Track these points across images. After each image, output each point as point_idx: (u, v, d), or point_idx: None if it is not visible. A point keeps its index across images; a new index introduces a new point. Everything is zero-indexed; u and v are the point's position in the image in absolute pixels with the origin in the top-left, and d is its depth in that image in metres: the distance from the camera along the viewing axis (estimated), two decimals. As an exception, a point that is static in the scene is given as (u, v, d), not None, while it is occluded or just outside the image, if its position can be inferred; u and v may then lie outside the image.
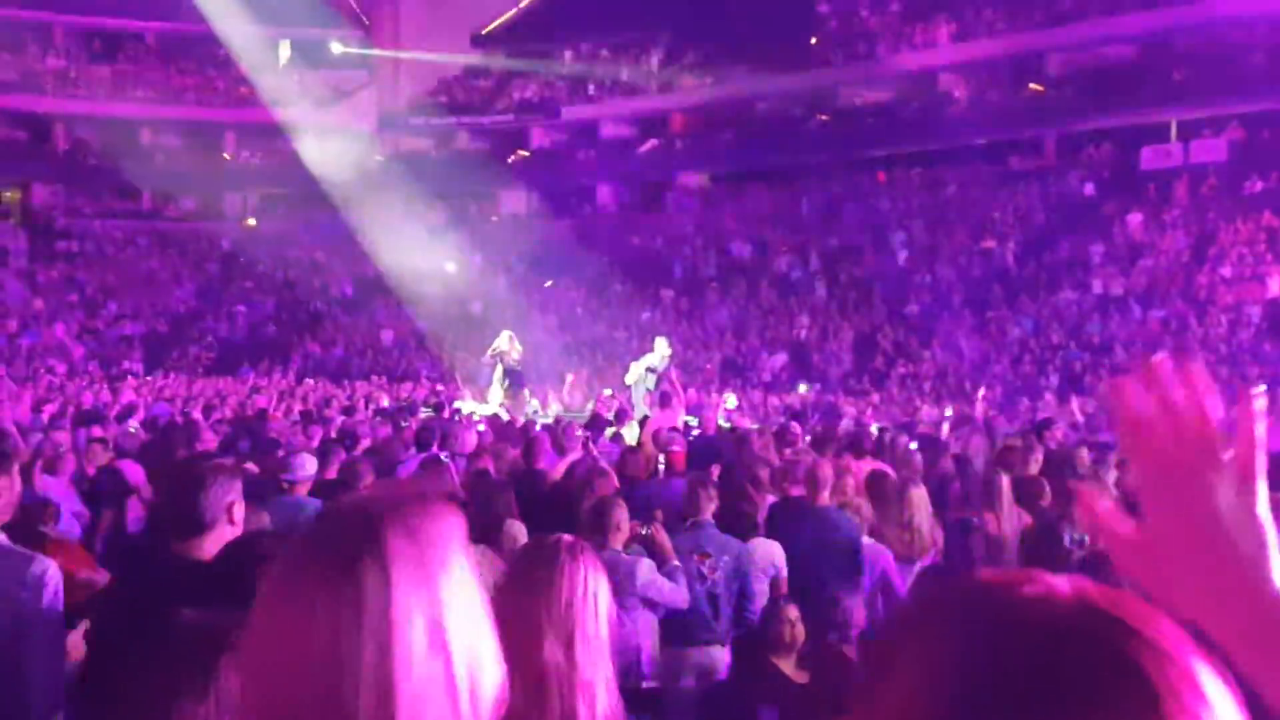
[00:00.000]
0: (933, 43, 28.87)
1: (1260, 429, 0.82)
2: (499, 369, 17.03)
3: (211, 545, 2.81)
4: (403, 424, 10.72)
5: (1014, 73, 27.92)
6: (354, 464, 6.56)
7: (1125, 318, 20.81)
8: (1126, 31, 26.42)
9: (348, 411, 13.33)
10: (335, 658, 1.04)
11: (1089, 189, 25.49)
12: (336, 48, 36.22)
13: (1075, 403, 13.55)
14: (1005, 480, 6.88)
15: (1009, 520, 6.58)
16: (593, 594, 2.14)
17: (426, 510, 1.12)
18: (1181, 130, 25.71)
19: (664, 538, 5.29)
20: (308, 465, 6.29)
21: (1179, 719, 0.62)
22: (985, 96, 28.06)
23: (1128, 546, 0.83)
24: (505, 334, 17.70)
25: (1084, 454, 9.12)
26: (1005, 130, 27.27)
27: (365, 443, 9.09)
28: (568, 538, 2.23)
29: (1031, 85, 27.38)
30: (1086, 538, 5.47)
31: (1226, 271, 20.89)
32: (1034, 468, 8.20)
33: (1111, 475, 7.60)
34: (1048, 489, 7.07)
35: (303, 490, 6.12)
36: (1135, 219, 23.49)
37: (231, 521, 2.88)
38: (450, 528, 1.13)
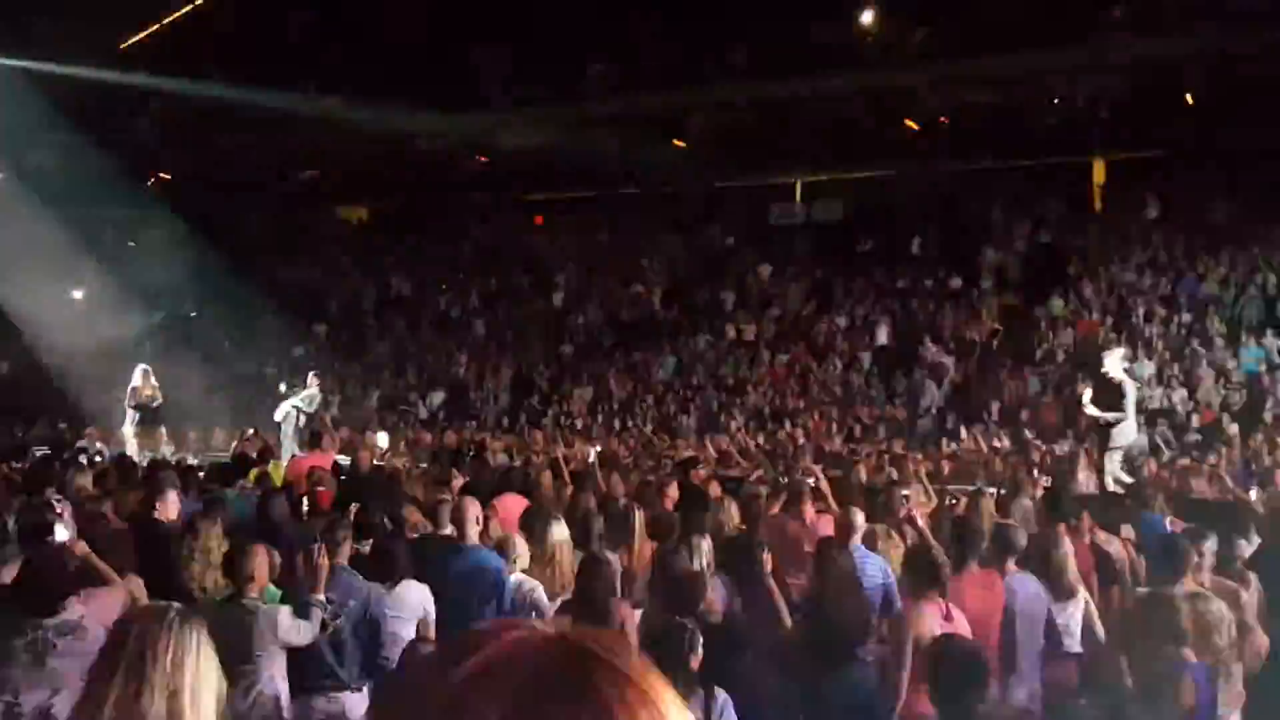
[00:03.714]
0: (585, 95, 30.05)
1: None
2: (132, 408, 15.95)
3: None
4: (13, 464, 9.77)
5: (662, 128, 29.56)
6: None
7: (755, 361, 22.47)
8: (758, 97, 28.77)
9: (-53, 454, 11.93)
10: None
11: (726, 241, 27.39)
12: (-52, 51, 32.47)
13: (710, 441, 14.53)
14: (639, 515, 7.34)
15: (641, 553, 7.01)
16: (201, 658, 2.23)
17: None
18: (805, 191, 28.18)
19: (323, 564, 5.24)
20: None
21: None
22: (635, 149, 29.48)
23: None
24: (139, 369, 16.63)
25: (716, 488, 9.88)
26: (653, 182, 28.79)
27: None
28: (179, 607, 2.32)
29: (676, 141, 29.12)
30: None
31: (842, 321, 23.05)
32: (669, 503, 8.78)
33: (734, 508, 8.29)
34: (677, 523, 7.60)
35: None
36: (765, 270, 25.50)
37: None
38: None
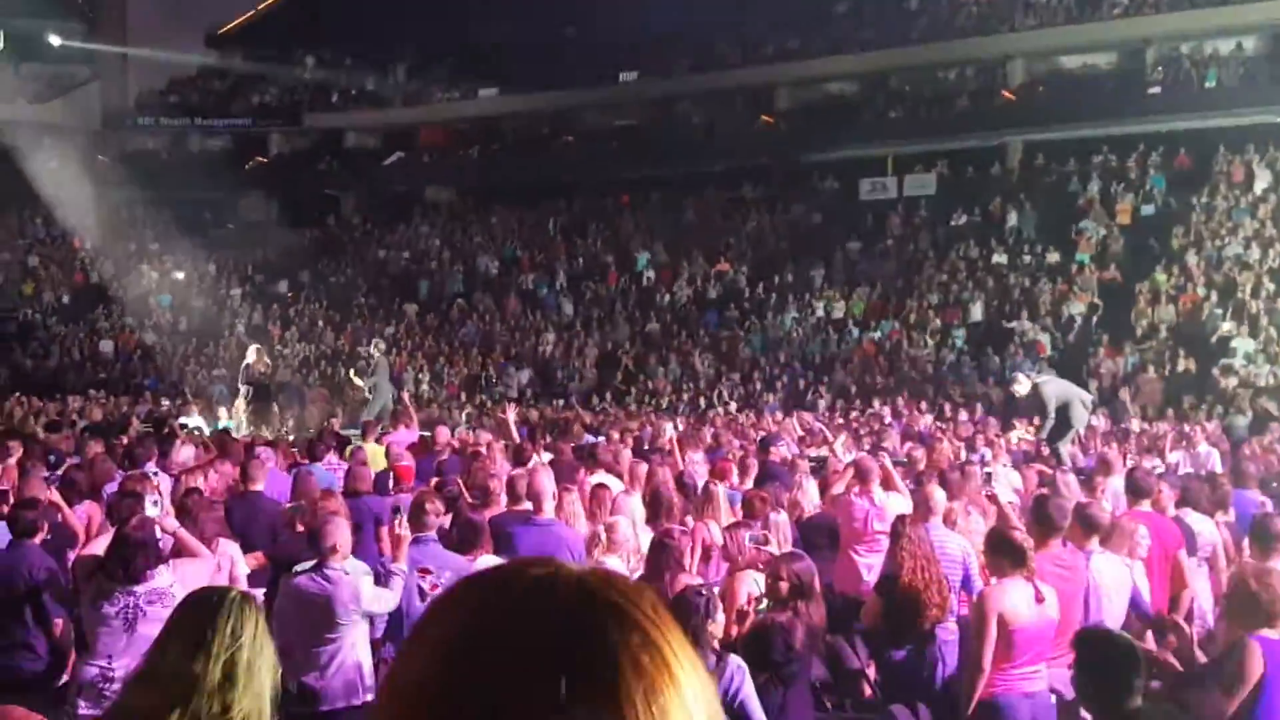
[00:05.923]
0: (671, 71, 29.90)
1: None
2: (245, 384, 16.34)
3: None
4: (114, 440, 10.12)
5: (747, 104, 29.28)
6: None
7: (844, 339, 22.15)
8: (847, 70, 28.29)
9: (51, 427, 12.36)
10: None
11: (814, 217, 27.01)
12: (55, 40, 33.71)
13: (795, 419, 14.38)
14: (718, 490, 7.31)
15: (721, 530, 6.98)
16: (260, 636, 2.30)
17: None
18: (897, 164, 27.66)
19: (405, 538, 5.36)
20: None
21: (632, 681, 0.71)
22: (720, 125, 29.24)
23: None
24: (253, 347, 17.08)
25: (804, 466, 9.78)
26: (739, 158, 28.52)
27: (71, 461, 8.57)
28: (236, 591, 2.41)
29: (763, 117, 28.78)
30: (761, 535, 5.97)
31: (934, 297, 22.57)
32: (749, 481, 8.73)
33: (813, 484, 8.21)
34: (759, 499, 7.54)
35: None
36: (854, 247, 25.09)
37: None
38: None
